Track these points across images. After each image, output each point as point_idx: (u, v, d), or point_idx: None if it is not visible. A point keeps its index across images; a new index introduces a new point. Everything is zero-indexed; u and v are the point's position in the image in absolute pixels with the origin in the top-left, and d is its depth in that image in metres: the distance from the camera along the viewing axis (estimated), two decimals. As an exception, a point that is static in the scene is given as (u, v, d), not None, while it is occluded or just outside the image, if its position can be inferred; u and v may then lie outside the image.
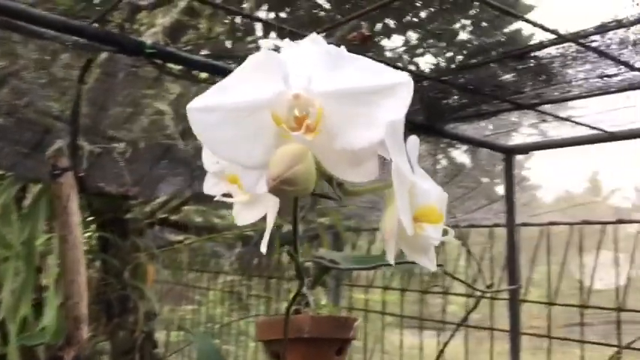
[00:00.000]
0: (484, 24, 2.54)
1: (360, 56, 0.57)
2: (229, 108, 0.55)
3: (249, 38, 2.72)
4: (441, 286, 2.65)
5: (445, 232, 0.58)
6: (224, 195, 0.67)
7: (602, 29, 1.23)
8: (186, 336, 3.23)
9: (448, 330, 2.90)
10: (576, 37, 1.26)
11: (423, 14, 2.32)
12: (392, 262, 0.54)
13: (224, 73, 1.68)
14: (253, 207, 0.66)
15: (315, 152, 0.54)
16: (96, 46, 1.51)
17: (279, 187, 0.49)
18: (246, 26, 2.55)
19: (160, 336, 2.65)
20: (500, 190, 3.48)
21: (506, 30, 2.35)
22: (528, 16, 1.80)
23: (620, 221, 2.21)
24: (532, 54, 1.41)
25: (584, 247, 2.40)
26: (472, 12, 2.73)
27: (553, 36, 1.29)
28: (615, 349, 2.25)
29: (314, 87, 0.54)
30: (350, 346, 1.58)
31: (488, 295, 2.22)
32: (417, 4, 2.29)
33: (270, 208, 0.62)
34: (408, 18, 2.20)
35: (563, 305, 2.36)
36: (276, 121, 0.53)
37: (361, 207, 2.60)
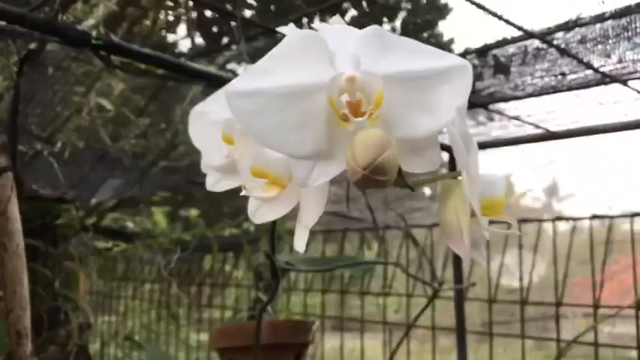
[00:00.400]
0: (411, 27, 2.58)
1: (407, 38, 0.53)
2: (274, 93, 0.50)
3: (175, 37, 2.62)
4: (381, 287, 2.65)
5: (509, 226, 0.55)
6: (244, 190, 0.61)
7: (567, 27, 1.25)
8: (123, 348, 3.07)
9: (375, 331, 2.90)
10: (542, 35, 1.27)
11: (348, 17, 2.32)
12: (467, 257, 0.50)
13: (172, 67, 1.60)
14: (279, 203, 0.60)
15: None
16: (36, 36, 1.39)
17: (370, 177, 0.44)
18: (171, 23, 2.46)
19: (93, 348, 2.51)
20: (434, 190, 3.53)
21: (426, 35, 2.40)
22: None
23: (558, 218, 2.28)
24: (492, 52, 1.42)
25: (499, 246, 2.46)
26: (401, 15, 2.77)
27: (517, 33, 1.30)
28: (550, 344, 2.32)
29: (367, 70, 0.49)
30: (308, 350, 1.54)
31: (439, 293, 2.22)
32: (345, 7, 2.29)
33: (311, 200, 0.56)
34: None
35: (503, 302, 2.41)
36: (334, 108, 0.48)
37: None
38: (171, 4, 2.24)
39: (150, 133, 2.09)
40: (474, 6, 1.12)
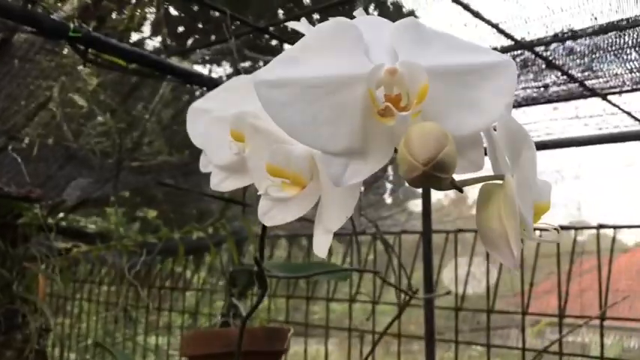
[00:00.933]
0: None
1: (445, 32, 0.50)
2: (306, 84, 0.46)
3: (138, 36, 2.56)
4: (346, 294, 2.63)
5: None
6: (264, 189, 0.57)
7: (558, 39, 1.25)
8: (78, 351, 2.97)
9: (337, 337, 2.87)
10: (531, 45, 1.27)
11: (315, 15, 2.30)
12: (513, 265, 0.47)
13: (151, 63, 1.54)
14: (296, 203, 0.56)
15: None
16: (9, 25, 1.33)
17: (431, 174, 0.41)
18: (139, 21, 2.40)
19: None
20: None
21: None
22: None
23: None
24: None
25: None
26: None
27: (507, 43, 1.30)
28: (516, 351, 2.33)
29: (409, 61, 0.47)
30: (282, 357, 1.50)
31: (413, 301, 2.21)
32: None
33: (337, 201, 0.53)
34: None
35: (470, 310, 2.42)
36: (374, 101, 0.45)
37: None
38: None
39: (117, 132, 2.02)
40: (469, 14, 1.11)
